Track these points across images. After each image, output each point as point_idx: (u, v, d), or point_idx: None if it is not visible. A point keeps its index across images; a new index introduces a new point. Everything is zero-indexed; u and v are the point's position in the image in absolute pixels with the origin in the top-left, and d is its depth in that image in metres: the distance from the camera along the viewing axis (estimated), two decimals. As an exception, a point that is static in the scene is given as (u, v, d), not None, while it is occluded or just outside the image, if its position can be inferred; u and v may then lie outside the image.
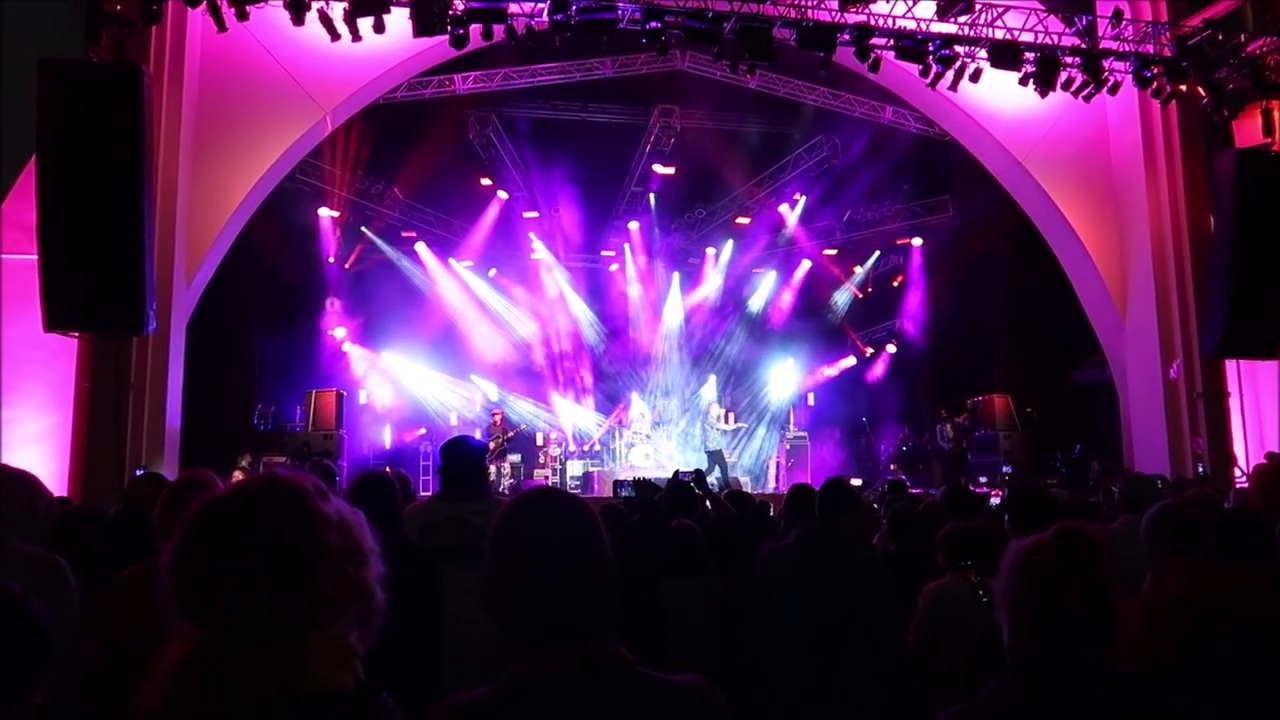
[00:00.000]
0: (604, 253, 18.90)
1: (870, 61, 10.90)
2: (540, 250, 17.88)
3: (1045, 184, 12.98)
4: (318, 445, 12.60)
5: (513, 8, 10.12)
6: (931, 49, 10.88)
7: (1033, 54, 11.02)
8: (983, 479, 13.84)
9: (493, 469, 14.01)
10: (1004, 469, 13.77)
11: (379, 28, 9.85)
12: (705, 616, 4.62)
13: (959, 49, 10.98)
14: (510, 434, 15.11)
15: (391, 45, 10.65)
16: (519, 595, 1.56)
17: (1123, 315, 13.12)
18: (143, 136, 8.38)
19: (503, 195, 17.23)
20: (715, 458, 14.57)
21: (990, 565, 2.69)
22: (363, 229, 16.76)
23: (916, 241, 18.33)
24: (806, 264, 18.97)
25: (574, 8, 9.90)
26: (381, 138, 15.14)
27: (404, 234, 17.25)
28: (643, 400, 17.00)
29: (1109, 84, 11.38)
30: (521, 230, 17.66)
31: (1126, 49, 11.25)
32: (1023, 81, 11.15)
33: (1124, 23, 11.05)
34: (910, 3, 10.79)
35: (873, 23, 10.75)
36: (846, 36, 10.66)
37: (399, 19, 9.87)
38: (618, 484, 12.11)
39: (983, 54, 11.05)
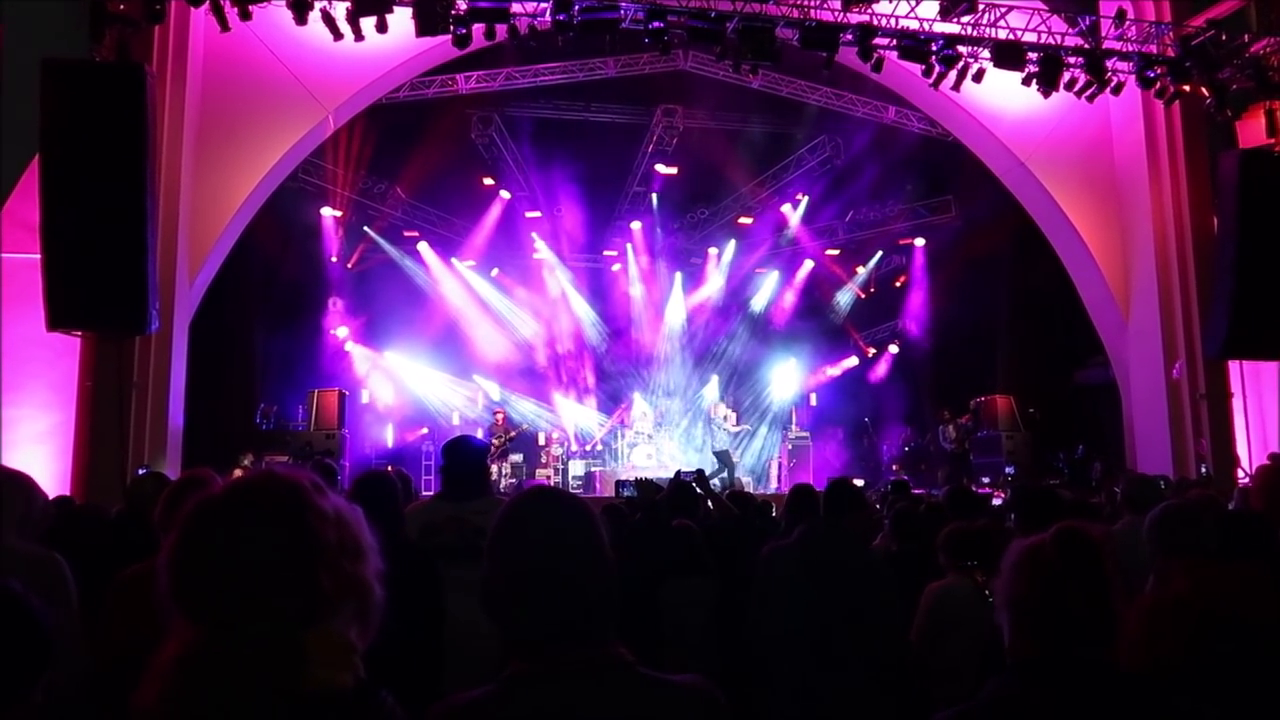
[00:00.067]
0: (606, 252, 18.91)
1: (873, 61, 10.89)
2: (543, 250, 17.89)
3: (1048, 184, 12.97)
4: (320, 445, 12.61)
5: (515, 7, 10.13)
6: (934, 49, 10.87)
7: (1036, 54, 11.00)
8: (985, 479, 13.82)
9: (494, 468, 14.03)
10: (1006, 469, 13.76)
11: (382, 27, 9.85)
12: (704, 617, 4.62)
13: (962, 49, 10.97)
14: (512, 434, 15.12)
15: (394, 45, 10.66)
16: (518, 595, 1.55)
17: (1125, 316, 13.10)
18: (146, 136, 8.38)
19: (505, 195, 17.23)
20: (723, 458, 14.59)
21: (994, 565, 2.69)
22: (365, 228, 16.78)
23: (919, 242, 18.32)
24: (809, 264, 18.97)
25: (577, 7, 9.90)
26: (384, 137, 15.14)
27: (406, 233, 17.26)
28: (645, 400, 16.99)
29: (1112, 84, 11.36)
30: (524, 230, 17.67)
31: (1129, 49, 11.23)
32: (1025, 82, 11.13)
33: (1127, 23, 11.02)
34: (913, 3, 10.78)
35: (875, 23, 10.74)
36: (849, 36, 10.65)
37: (402, 18, 9.87)
38: (619, 484, 12.09)
39: (985, 54, 11.04)
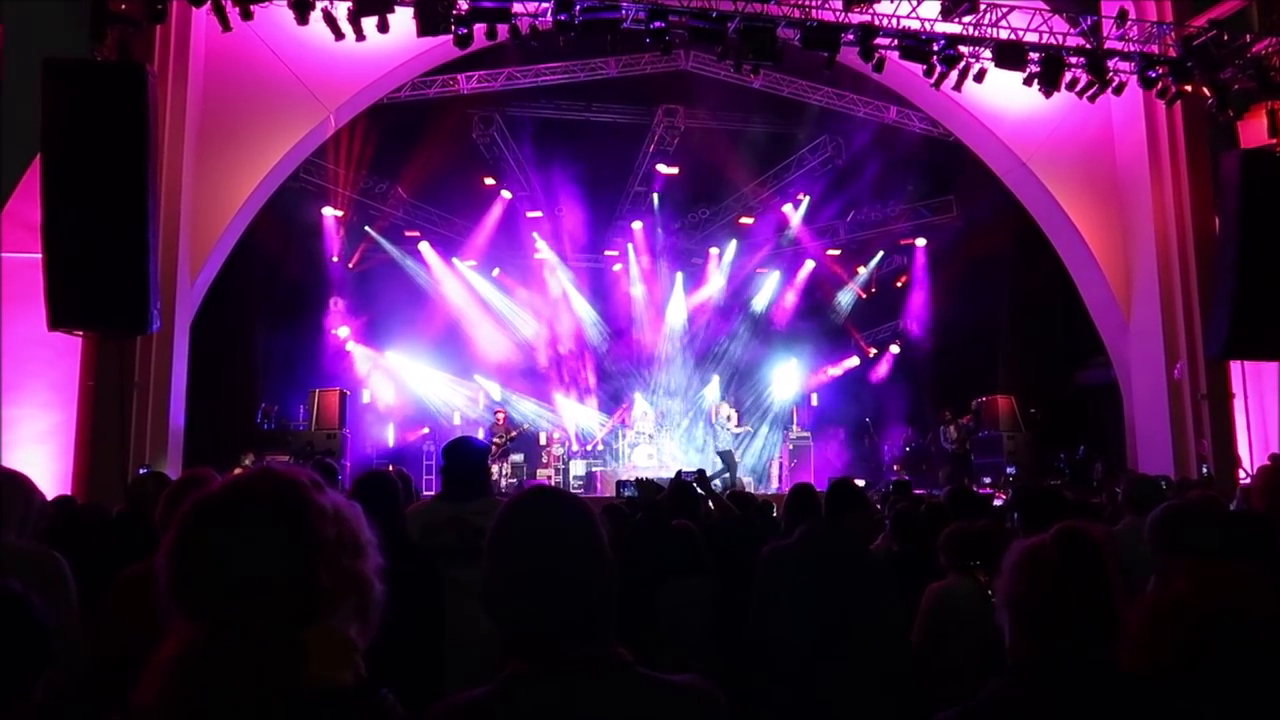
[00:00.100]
0: (607, 253, 18.91)
1: (874, 62, 10.88)
2: (544, 250, 17.89)
3: (1049, 184, 12.96)
4: (321, 444, 12.63)
5: (517, 7, 10.12)
6: (936, 49, 10.86)
7: (1037, 54, 10.99)
8: (986, 480, 13.82)
9: (495, 468, 14.03)
10: (1008, 470, 13.76)
11: (383, 27, 9.85)
12: (703, 617, 4.62)
13: (963, 49, 10.95)
14: (513, 433, 15.13)
15: (395, 45, 10.66)
16: (517, 594, 1.55)
17: (1127, 316, 13.09)
18: (147, 135, 8.38)
19: (506, 195, 17.24)
20: (726, 458, 14.60)
21: (995, 566, 2.69)
22: (366, 228, 16.78)
23: (920, 242, 18.31)
24: (810, 264, 18.96)
25: (578, 7, 9.89)
26: (385, 137, 15.14)
27: (407, 233, 17.26)
28: (646, 400, 16.99)
29: (1113, 84, 11.35)
30: (525, 230, 17.67)
31: (1131, 49, 11.22)
32: (1027, 82, 11.12)
33: (1129, 23, 11.01)
34: (914, 3, 10.77)
35: (877, 23, 10.73)
36: (850, 36, 10.64)
37: (403, 18, 9.87)
38: (620, 484, 12.11)
39: (987, 54, 11.03)
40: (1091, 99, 11.52)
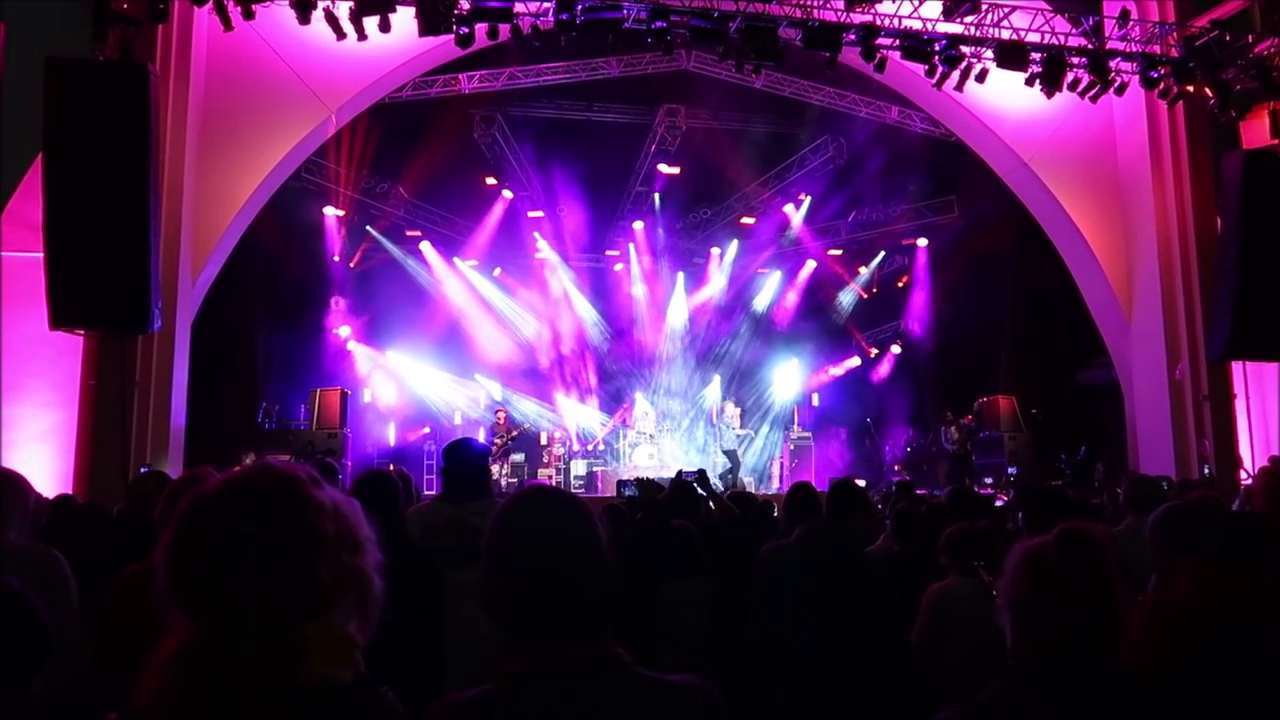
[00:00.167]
0: (609, 252, 18.90)
1: (876, 62, 10.88)
2: (545, 250, 17.89)
3: (1051, 185, 12.95)
4: (322, 444, 12.63)
5: (518, 7, 10.12)
6: (937, 49, 10.86)
7: (1039, 54, 10.99)
8: (987, 480, 13.81)
9: (496, 468, 14.03)
10: (1009, 470, 13.75)
11: (384, 27, 9.86)
12: (702, 617, 4.62)
13: (965, 49, 10.95)
14: (514, 433, 15.13)
15: (397, 44, 10.66)
16: (516, 594, 1.55)
17: (1128, 317, 13.08)
18: (148, 135, 8.38)
19: (508, 195, 17.23)
20: (733, 457, 14.60)
21: (997, 566, 2.69)
22: (367, 228, 16.78)
23: (922, 242, 18.30)
24: (811, 264, 18.95)
25: (579, 7, 9.89)
26: (387, 137, 15.14)
27: (409, 233, 17.26)
28: (647, 400, 16.98)
29: (1115, 85, 11.35)
30: (526, 230, 17.66)
31: (1133, 49, 11.22)
32: (1029, 82, 11.12)
33: (1131, 23, 11.00)
34: (916, 3, 10.77)
35: (878, 23, 10.73)
36: (852, 36, 10.64)
37: (404, 18, 9.88)
38: (621, 484, 12.10)
39: (989, 54, 11.03)
40: (1093, 99, 11.52)
